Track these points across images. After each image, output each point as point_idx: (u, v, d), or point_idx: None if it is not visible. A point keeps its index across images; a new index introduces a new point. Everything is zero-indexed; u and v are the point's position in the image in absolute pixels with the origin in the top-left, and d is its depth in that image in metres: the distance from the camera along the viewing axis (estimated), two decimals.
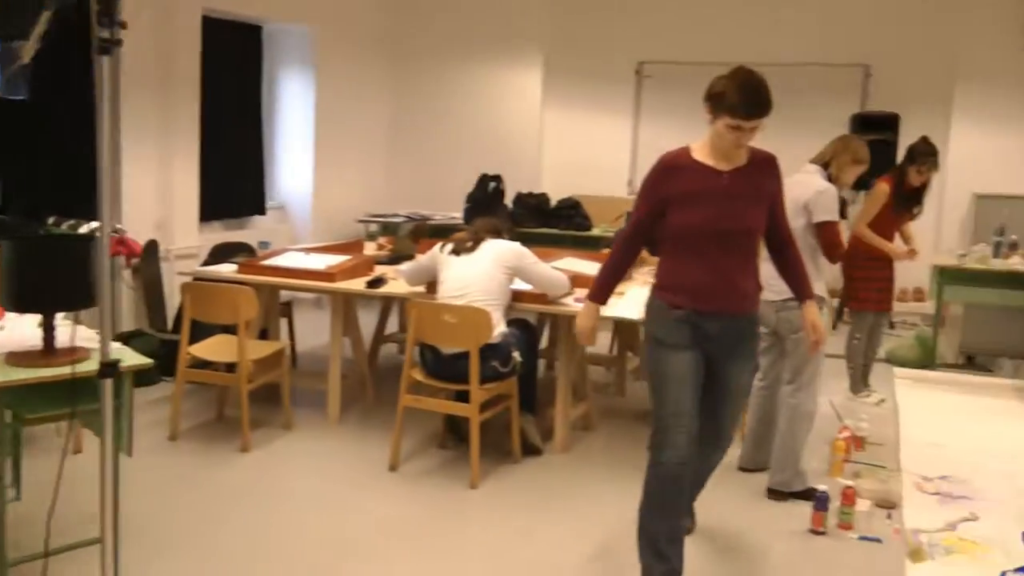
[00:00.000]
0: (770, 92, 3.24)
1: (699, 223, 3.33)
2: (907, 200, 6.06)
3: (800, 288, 3.67)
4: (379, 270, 5.60)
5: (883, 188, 6.02)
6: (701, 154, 3.39)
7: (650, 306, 3.49)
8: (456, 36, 10.22)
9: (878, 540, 4.05)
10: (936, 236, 9.03)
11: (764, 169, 3.43)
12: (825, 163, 4.56)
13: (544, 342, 5.83)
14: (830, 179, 4.50)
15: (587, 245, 8.00)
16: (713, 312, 3.40)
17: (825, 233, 4.34)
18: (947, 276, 7.01)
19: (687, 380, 3.38)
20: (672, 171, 3.37)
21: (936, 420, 5.87)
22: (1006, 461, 5.18)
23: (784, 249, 3.62)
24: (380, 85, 10.28)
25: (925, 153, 6.00)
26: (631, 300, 5.01)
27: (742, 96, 3.19)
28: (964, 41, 8.98)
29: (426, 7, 10.31)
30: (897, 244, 6.14)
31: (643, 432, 5.37)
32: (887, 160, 8.33)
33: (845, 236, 5.83)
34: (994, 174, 8.47)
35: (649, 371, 3.46)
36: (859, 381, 6.17)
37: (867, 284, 6.00)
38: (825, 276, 4.52)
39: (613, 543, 3.95)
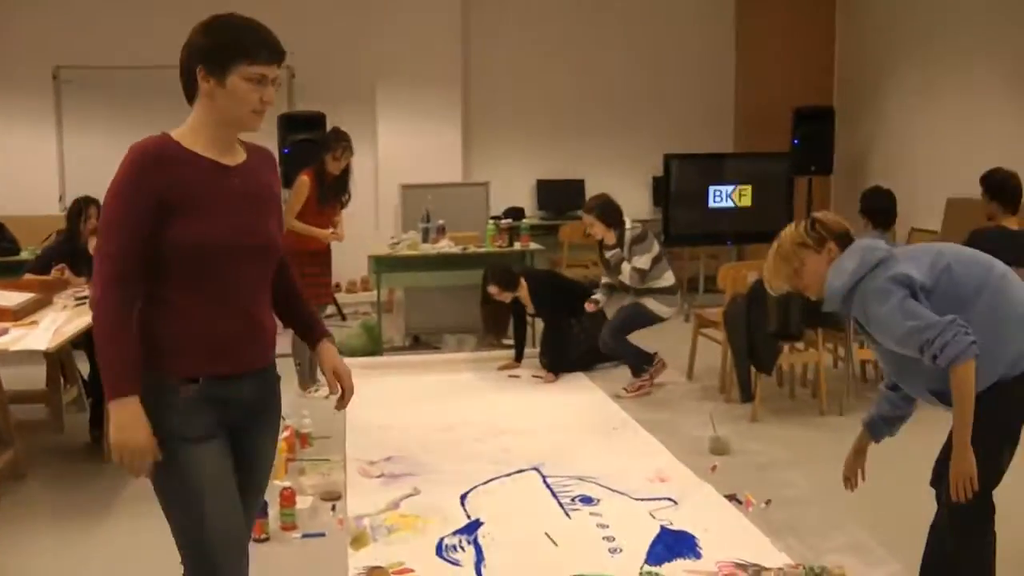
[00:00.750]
0: None
1: (217, 239, 2.27)
2: (332, 189, 6.22)
3: (311, 324, 2.68)
4: None
5: (304, 180, 6.12)
6: (194, 143, 2.32)
7: (146, 387, 2.25)
8: None
9: (322, 534, 4.06)
10: (375, 227, 9.47)
11: (268, 164, 2.50)
12: None
13: None
14: None
15: (14, 271, 7.19)
16: (241, 372, 2.39)
17: None
18: (383, 264, 7.35)
19: (226, 485, 2.36)
20: (164, 164, 2.26)
21: (384, 403, 6.15)
22: (449, 431, 5.58)
23: (284, 271, 2.59)
24: None
25: (336, 139, 6.20)
26: (43, 329, 4.56)
27: (260, 35, 2.29)
28: (383, 42, 9.48)
29: None
30: None
31: (89, 469, 5.00)
32: (316, 157, 8.54)
33: None
34: (418, 165, 9.04)
35: (160, 485, 2.34)
36: (307, 377, 6.23)
37: (304, 280, 6.05)
38: None
39: None
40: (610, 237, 6.37)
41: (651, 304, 6.27)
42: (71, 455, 5.24)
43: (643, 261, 6.22)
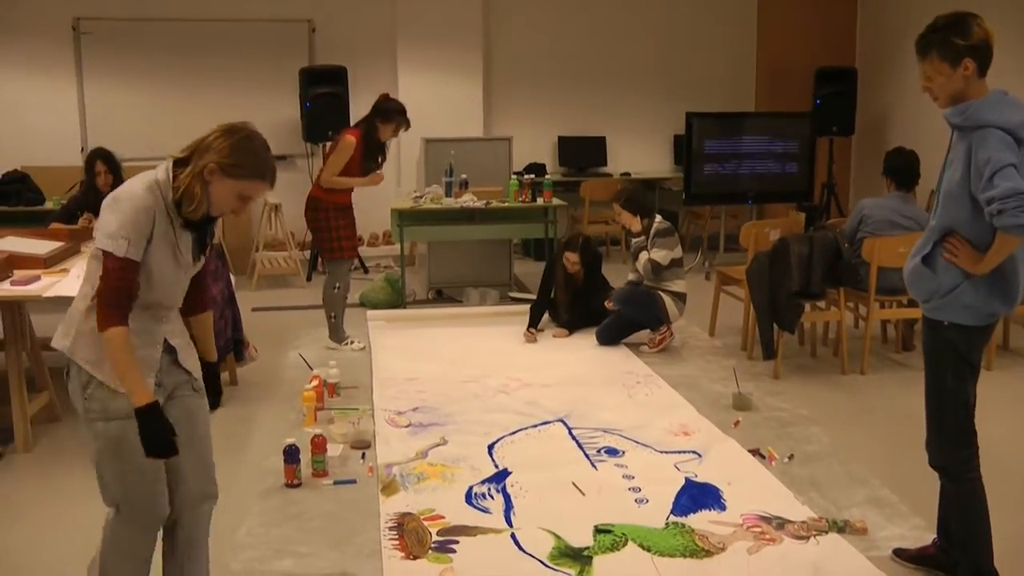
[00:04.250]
0: None
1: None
2: (374, 152, 6.23)
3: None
4: None
5: (351, 142, 6.07)
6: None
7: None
8: None
9: (353, 481, 4.15)
10: (396, 181, 9.50)
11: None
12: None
13: None
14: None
15: (40, 220, 7.27)
16: None
17: None
18: (406, 218, 7.39)
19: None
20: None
21: (409, 356, 6.23)
22: (473, 383, 5.65)
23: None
24: None
25: (400, 113, 6.15)
26: (73, 276, 4.62)
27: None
28: None
29: None
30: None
31: None
32: (338, 112, 8.58)
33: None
34: (439, 120, 9.04)
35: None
36: (340, 329, 6.30)
37: (338, 233, 6.10)
38: None
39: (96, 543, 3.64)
40: (636, 225, 6.38)
41: (666, 298, 6.26)
42: None
43: (662, 255, 6.21)
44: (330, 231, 6.10)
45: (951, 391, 3.03)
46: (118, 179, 6.18)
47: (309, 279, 8.45)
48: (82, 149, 8.95)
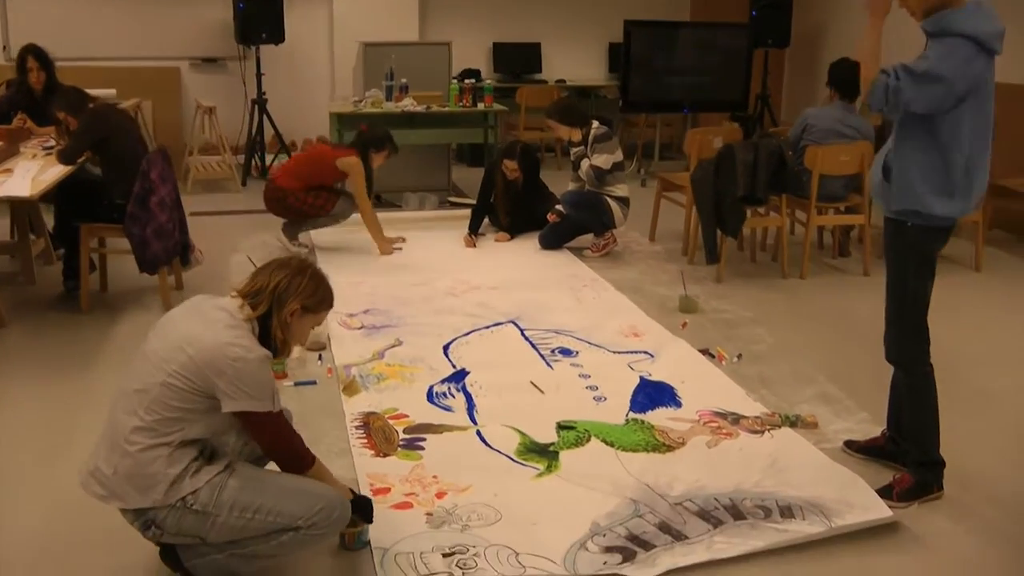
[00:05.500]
0: None
1: None
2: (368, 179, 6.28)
3: None
4: None
5: (357, 161, 6.16)
6: None
7: None
8: None
9: (313, 382, 4.16)
10: (331, 86, 9.32)
11: None
12: None
13: None
14: None
15: None
16: None
17: None
18: (345, 122, 7.27)
19: None
20: None
21: (351, 260, 6.21)
22: (421, 286, 5.66)
23: None
24: None
25: (387, 139, 6.35)
26: (19, 176, 4.50)
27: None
28: None
29: None
30: None
31: (63, 320, 4.99)
32: (273, 13, 8.34)
33: None
34: (374, 25, 8.85)
35: None
36: (294, 235, 6.30)
37: (313, 202, 6.16)
38: None
39: (57, 450, 3.61)
40: (575, 135, 6.37)
41: (612, 203, 6.27)
42: (48, 306, 5.22)
43: (602, 160, 6.20)
44: (303, 202, 6.16)
45: (913, 290, 3.15)
46: (51, 76, 5.97)
47: (244, 184, 8.29)
48: (3, 47, 8.56)
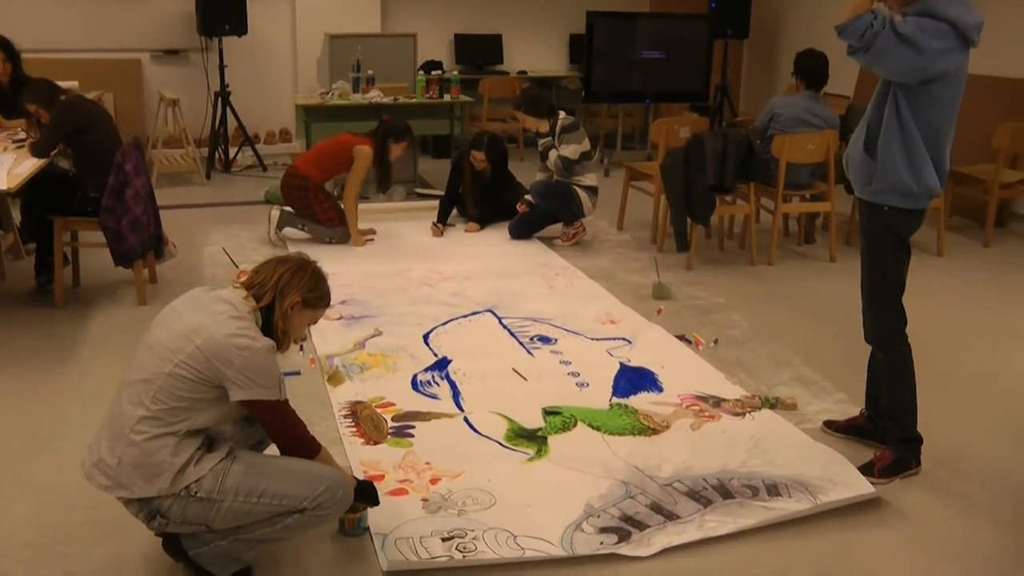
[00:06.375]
0: None
1: None
2: (384, 170, 6.39)
3: None
4: None
5: (368, 152, 6.19)
6: None
7: None
8: None
9: (297, 373, 4.17)
10: (294, 78, 9.27)
11: None
12: None
13: None
14: None
15: None
16: None
17: None
18: (312, 114, 7.26)
19: None
20: None
21: (327, 252, 6.19)
22: (396, 276, 5.67)
23: None
24: None
25: (407, 130, 6.35)
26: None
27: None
28: None
29: None
30: None
31: (37, 316, 4.94)
32: (236, 4, 8.27)
33: None
34: (336, 16, 8.83)
35: None
36: (284, 226, 6.30)
37: (325, 206, 6.21)
38: None
39: (41, 444, 3.59)
40: (543, 127, 6.42)
41: (581, 192, 6.32)
42: (20, 301, 5.16)
43: (571, 150, 6.25)
44: (320, 203, 6.21)
45: (890, 271, 3.25)
46: (17, 68, 5.88)
47: (208, 177, 8.23)
48: None
